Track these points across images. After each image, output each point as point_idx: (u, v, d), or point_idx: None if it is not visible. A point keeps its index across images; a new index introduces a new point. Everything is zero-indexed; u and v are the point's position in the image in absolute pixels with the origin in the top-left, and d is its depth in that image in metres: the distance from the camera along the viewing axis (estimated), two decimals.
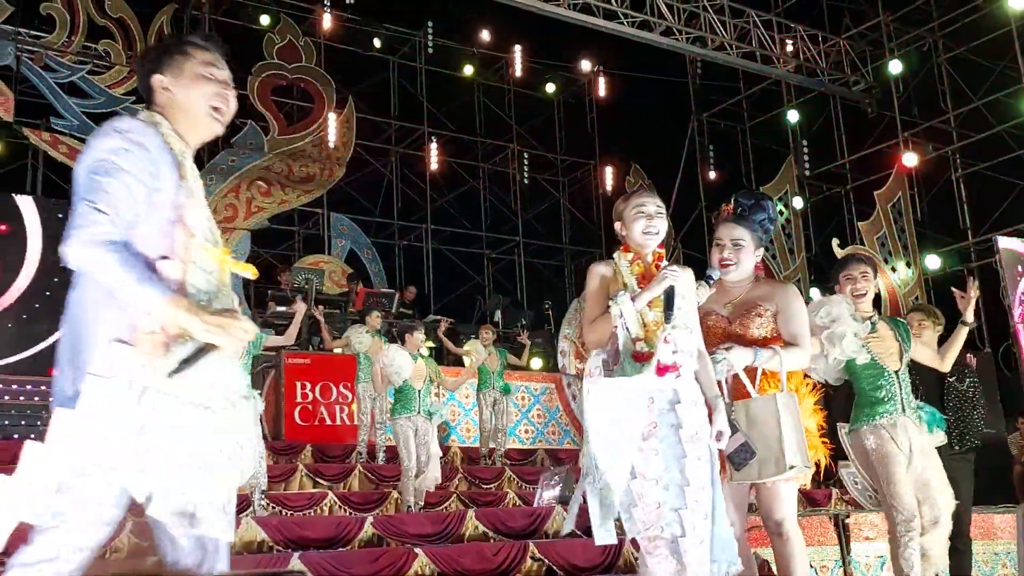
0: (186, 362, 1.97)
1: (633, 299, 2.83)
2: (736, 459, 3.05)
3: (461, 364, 10.62)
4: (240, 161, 13.44)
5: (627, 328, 2.82)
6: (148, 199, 2.01)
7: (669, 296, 2.80)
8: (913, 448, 4.03)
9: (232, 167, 13.37)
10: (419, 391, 7.32)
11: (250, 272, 2.22)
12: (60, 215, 11.64)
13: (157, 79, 2.18)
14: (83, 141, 12.13)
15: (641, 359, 2.78)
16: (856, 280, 4.16)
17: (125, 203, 1.96)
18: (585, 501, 2.82)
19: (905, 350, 4.18)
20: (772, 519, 3.26)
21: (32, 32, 12.11)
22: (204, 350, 1.98)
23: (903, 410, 4.06)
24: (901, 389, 4.10)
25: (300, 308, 6.97)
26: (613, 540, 2.79)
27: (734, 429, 3.00)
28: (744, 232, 3.32)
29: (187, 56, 2.19)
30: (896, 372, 4.12)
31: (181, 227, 2.05)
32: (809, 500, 8.80)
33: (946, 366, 4.60)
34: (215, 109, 2.19)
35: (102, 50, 12.56)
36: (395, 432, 7.34)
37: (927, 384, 5.34)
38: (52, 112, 12.19)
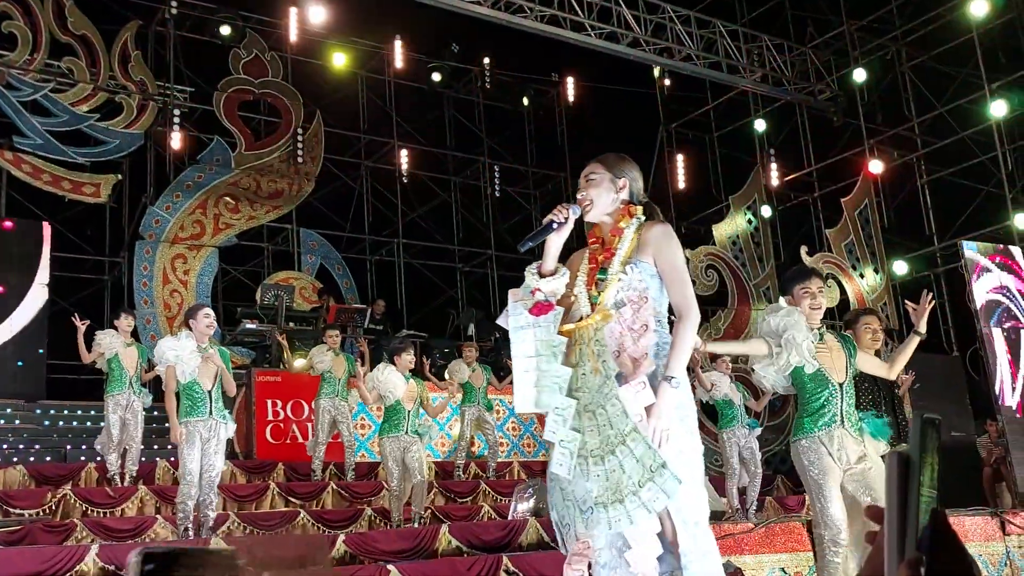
0: None
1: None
2: None
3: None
4: (207, 177, 13.32)
5: None
6: None
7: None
8: (850, 461, 4.05)
9: (199, 184, 13.24)
10: (409, 411, 7.30)
11: None
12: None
13: None
14: (46, 160, 12.06)
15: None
16: (815, 295, 4.18)
17: None
18: None
19: (851, 363, 4.20)
20: None
21: None
22: None
23: (842, 423, 4.07)
24: (843, 401, 4.11)
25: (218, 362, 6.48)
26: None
27: None
28: None
29: None
30: (840, 385, 4.13)
31: None
32: (784, 507, 8.83)
33: (893, 374, 4.61)
34: None
35: (65, 68, 12.41)
36: (383, 452, 7.32)
37: (881, 395, 5.44)
38: (15, 131, 12.02)
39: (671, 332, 2.86)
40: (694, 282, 12.31)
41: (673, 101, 15.16)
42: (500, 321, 2.99)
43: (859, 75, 13.22)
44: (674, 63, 12.26)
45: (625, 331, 2.81)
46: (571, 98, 15.88)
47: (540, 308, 2.87)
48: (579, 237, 3.10)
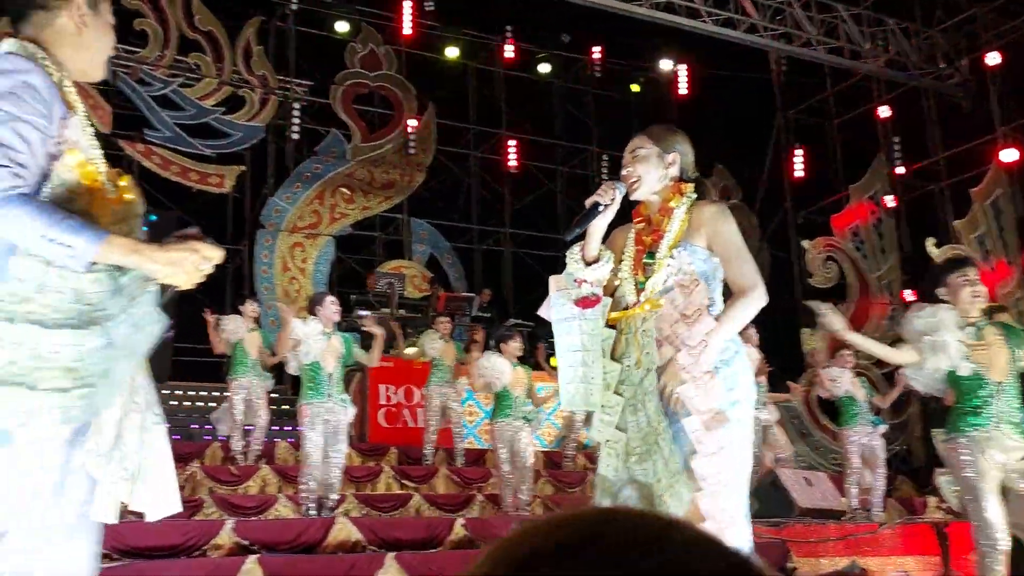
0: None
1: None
2: None
3: None
4: (324, 169, 13.68)
5: None
6: (44, 144, 1.79)
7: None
8: (1008, 464, 3.78)
9: (316, 175, 13.61)
10: (517, 397, 7.32)
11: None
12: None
13: (80, 3, 1.95)
14: (175, 152, 12.58)
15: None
16: (973, 283, 3.89)
17: (23, 152, 1.75)
18: None
19: (1016, 358, 3.88)
20: None
21: (127, 47, 12.51)
22: (165, 292, 1.83)
23: (999, 423, 3.79)
24: (1002, 401, 3.81)
25: (377, 330, 6.95)
26: None
27: None
28: None
29: None
30: (1000, 383, 3.83)
31: (79, 162, 1.86)
32: (908, 508, 8.52)
33: None
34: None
35: (192, 63, 12.92)
36: (494, 437, 7.36)
37: None
38: (146, 124, 12.58)
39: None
40: (810, 274, 12.10)
41: (791, 87, 14.74)
42: (542, 312, 2.79)
43: (992, 59, 12.55)
44: (793, 49, 11.92)
45: (679, 318, 2.62)
46: (683, 86, 15.63)
47: (587, 302, 2.70)
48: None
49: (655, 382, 2.59)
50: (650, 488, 2.56)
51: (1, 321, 1.71)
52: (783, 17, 11.62)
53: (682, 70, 15.44)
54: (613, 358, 2.74)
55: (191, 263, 1.82)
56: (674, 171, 2.80)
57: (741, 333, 2.77)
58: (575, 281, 2.70)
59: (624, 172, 2.80)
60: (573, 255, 2.71)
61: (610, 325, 2.77)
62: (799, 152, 14.21)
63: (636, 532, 0.62)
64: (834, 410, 8.40)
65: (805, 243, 12.23)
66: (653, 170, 2.78)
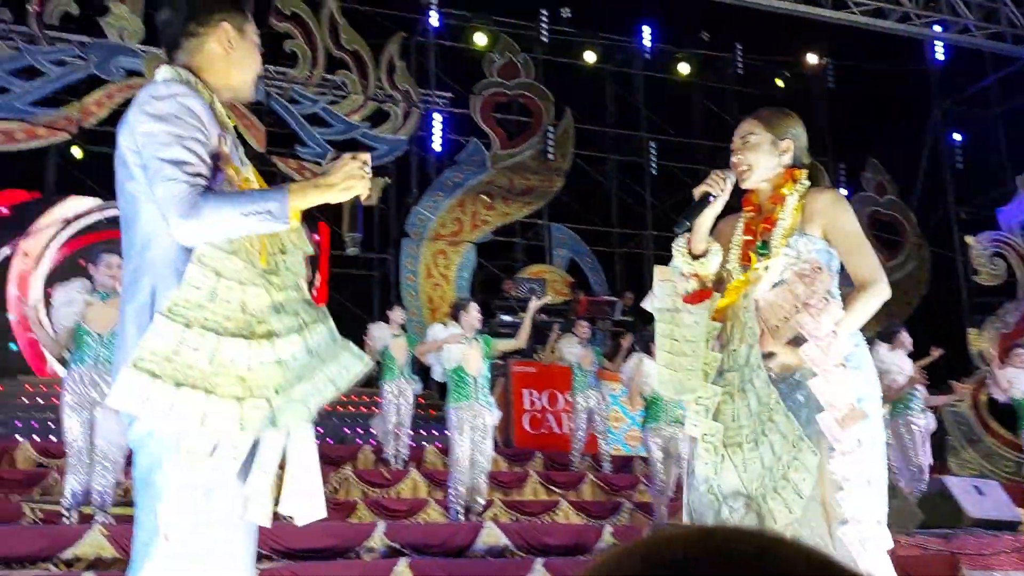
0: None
1: None
2: None
3: None
4: (465, 177, 13.91)
5: None
6: (209, 159, 1.92)
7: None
8: None
9: (457, 183, 13.86)
10: (668, 401, 7.17)
11: None
12: None
13: (226, 27, 2.07)
14: None
15: None
16: None
17: (197, 164, 1.88)
18: None
19: None
20: None
21: (278, 68, 13.10)
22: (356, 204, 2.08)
23: None
24: None
25: (532, 305, 7.08)
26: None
27: None
28: None
29: (247, 19, 2.12)
30: None
31: (242, 178, 1.99)
32: None
33: None
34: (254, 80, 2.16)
35: (339, 81, 13.41)
36: (646, 443, 7.27)
37: None
38: (298, 141, 13.14)
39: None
40: (976, 271, 11.40)
41: (949, 76, 13.96)
42: (645, 304, 2.69)
43: None
44: (950, 36, 11.30)
45: (800, 308, 2.43)
46: (830, 79, 15.04)
47: (698, 296, 2.61)
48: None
49: (759, 356, 2.48)
50: (756, 501, 2.44)
51: (178, 324, 1.81)
52: (938, 3, 11.03)
53: (829, 63, 14.87)
54: (721, 346, 2.65)
55: (357, 171, 2.00)
56: (787, 158, 2.66)
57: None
58: (683, 275, 2.63)
59: (734, 159, 2.66)
60: (679, 247, 2.62)
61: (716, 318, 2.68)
62: (959, 144, 13.43)
63: (739, 551, 0.59)
64: (1005, 414, 7.86)
65: (969, 239, 11.54)
66: (765, 158, 2.64)
